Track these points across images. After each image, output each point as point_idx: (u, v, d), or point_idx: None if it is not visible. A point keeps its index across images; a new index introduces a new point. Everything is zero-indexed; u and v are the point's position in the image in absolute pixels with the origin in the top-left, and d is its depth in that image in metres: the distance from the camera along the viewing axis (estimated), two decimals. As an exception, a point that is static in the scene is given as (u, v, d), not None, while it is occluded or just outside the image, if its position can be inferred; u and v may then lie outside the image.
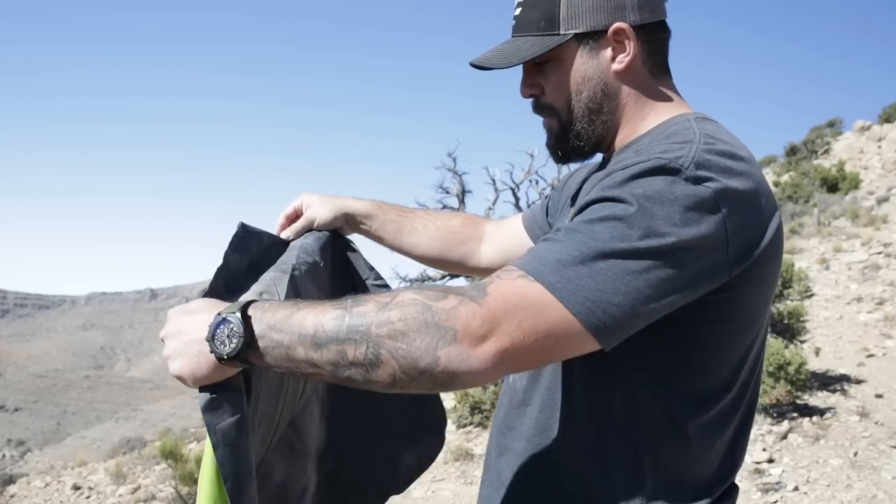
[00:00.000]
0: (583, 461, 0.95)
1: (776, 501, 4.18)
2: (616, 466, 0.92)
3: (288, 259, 1.07)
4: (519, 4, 1.00)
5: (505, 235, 1.37)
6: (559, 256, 0.79)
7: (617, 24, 0.95)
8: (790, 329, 6.17)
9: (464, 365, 0.75)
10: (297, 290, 1.00)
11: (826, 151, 25.44)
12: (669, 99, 1.01)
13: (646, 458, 0.91)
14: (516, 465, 1.02)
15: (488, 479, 1.08)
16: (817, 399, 5.58)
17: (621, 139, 1.01)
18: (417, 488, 5.65)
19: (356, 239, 1.38)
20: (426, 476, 5.91)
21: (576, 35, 0.96)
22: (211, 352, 0.78)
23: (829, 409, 5.34)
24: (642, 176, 0.81)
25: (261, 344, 0.78)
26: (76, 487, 7.12)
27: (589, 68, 0.98)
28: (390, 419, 1.32)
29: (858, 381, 5.98)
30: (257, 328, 0.79)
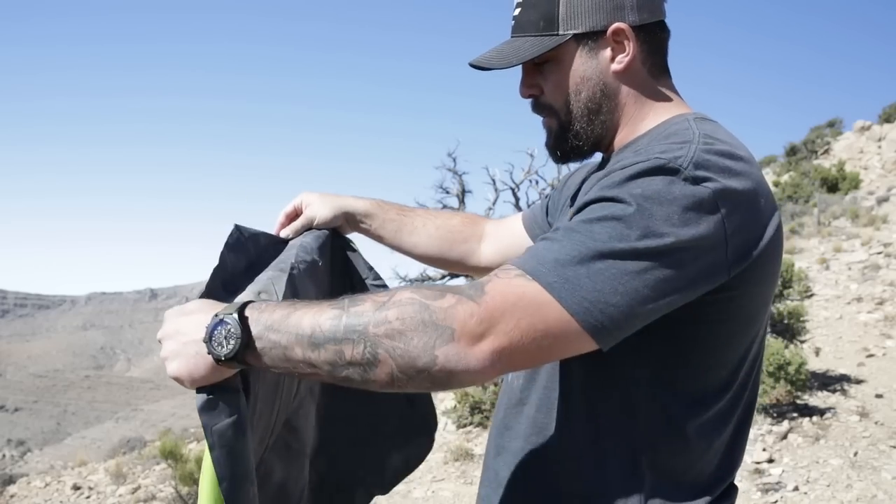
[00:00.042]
0: (580, 461, 0.95)
1: (776, 501, 4.18)
2: (614, 466, 0.92)
3: (286, 258, 1.07)
4: (518, 5, 1.00)
5: (505, 235, 1.37)
6: (557, 256, 0.79)
7: (616, 25, 0.95)
8: (790, 329, 6.17)
9: (461, 364, 0.75)
10: (296, 289, 0.99)
11: (826, 151, 25.44)
12: (669, 99, 1.01)
13: (644, 458, 0.91)
14: (513, 464, 1.02)
15: (486, 478, 1.08)
16: (817, 399, 5.58)
17: (621, 139, 1.01)
18: (417, 488, 5.65)
19: (355, 238, 1.38)
20: (426, 476, 5.91)
21: (575, 35, 0.96)
22: (208, 353, 0.78)
23: (829, 409, 5.34)
24: (641, 176, 0.81)
25: (258, 345, 0.78)
26: (76, 487, 7.12)
27: (588, 68, 0.98)
28: (381, 419, 1.33)
29: (858, 381, 5.98)
30: (254, 329, 0.79)
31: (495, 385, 6.44)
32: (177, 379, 0.80)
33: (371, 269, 1.35)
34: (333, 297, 0.82)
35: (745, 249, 0.83)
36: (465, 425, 6.99)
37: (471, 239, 1.39)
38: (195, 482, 5.48)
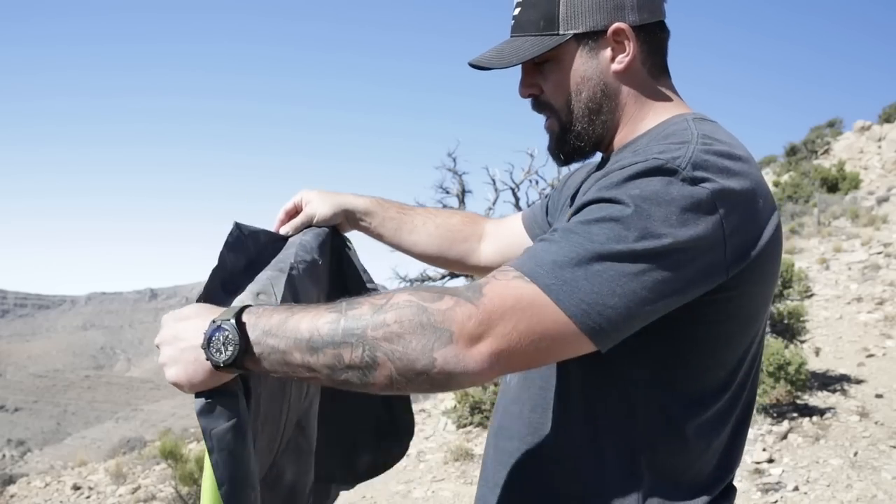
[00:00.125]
0: (578, 461, 0.94)
1: (776, 501, 4.18)
2: (612, 466, 0.92)
3: (286, 257, 1.07)
4: (518, 4, 1.00)
5: (505, 234, 1.37)
6: (555, 258, 0.79)
7: (616, 25, 0.95)
8: (790, 329, 6.17)
9: (460, 366, 0.75)
10: (295, 289, 0.99)
11: (826, 151, 25.43)
12: (668, 99, 1.01)
13: (642, 458, 0.91)
14: (509, 464, 1.02)
15: (483, 478, 1.08)
16: (817, 399, 5.58)
17: (620, 139, 1.01)
18: (418, 488, 5.65)
19: (355, 237, 1.38)
20: (426, 476, 5.92)
21: (575, 35, 0.96)
22: (207, 359, 0.78)
23: (829, 409, 5.34)
24: (639, 177, 0.81)
25: (256, 350, 0.78)
26: (76, 487, 7.12)
27: (588, 68, 0.98)
28: (357, 420, 1.34)
29: (858, 381, 5.98)
30: (252, 334, 0.79)
31: (495, 385, 6.44)
32: (176, 384, 0.80)
33: (365, 271, 1.35)
34: (333, 296, 0.82)
35: (744, 250, 0.83)
36: (465, 425, 6.99)
37: (471, 238, 1.39)
38: (195, 482, 5.48)
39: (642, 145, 0.93)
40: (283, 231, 1.27)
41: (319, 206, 1.29)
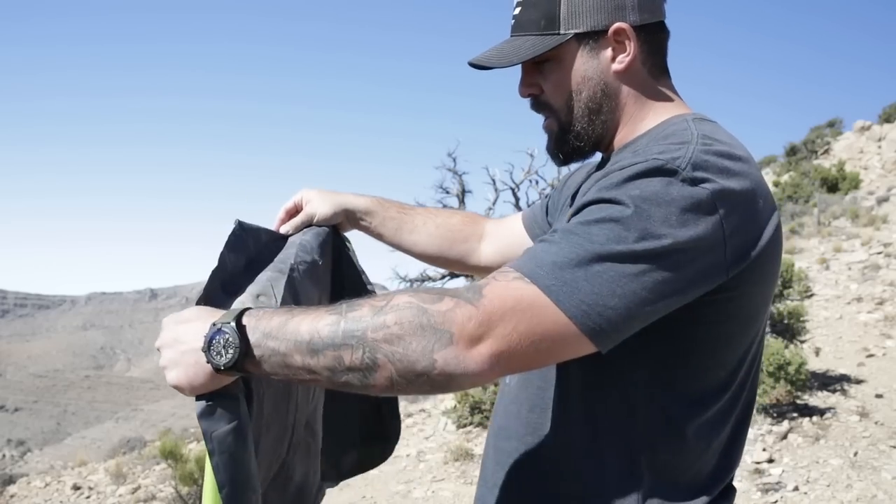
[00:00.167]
0: (577, 461, 0.94)
1: (776, 501, 4.18)
2: (612, 466, 0.92)
3: (286, 257, 1.07)
4: (518, 4, 1.00)
5: (505, 234, 1.37)
6: (555, 258, 0.79)
7: (617, 24, 0.95)
8: (790, 329, 6.17)
9: (460, 367, 0.75)
10: (296, 291, 0.99)
11: (826, 151, 25.43)
12: (668, 99, 1.01)
13: (642, 458, 0.91)
14: (507, 464, 1.02)
15: (483, 479, 1.08)
16: (817, 399, 5.58)
17: (620, 139, 1.01)
18: (418, 488, 5.65)
19: (355, 237, 1.38)
20: (426, 476, 5.92)
21: (576, 35, 0.96)
22: (207, 362, 0.78)
23: (829, 409, 5.34)
24: (639, 177, 0.81)
25: (257, 353, 0.78)
26: (76, 487, 7.12)
27: (589, 68, 0.97)
28: (345, 418, 1.34)
29: (858, 381, 5.98)
30: (252, 337, 0.79)
31: (495, 385, 6.44)
32: (177, 387, 0.80)
33: (362, 272, 1.35)
34: (334, 296, 0.82)
35: (744, 250, 0.83)
36: (465, 425, 6.99)
37: (471, 238, 1.39)
38: (195, 482, 5.49)
39: (642, 145, 0.93)
40: (283, 230, 1.27)
41: (320, 205, 1.29)
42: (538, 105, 1.03)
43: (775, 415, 5.25)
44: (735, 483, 1.01)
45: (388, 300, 0.78)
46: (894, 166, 20.87)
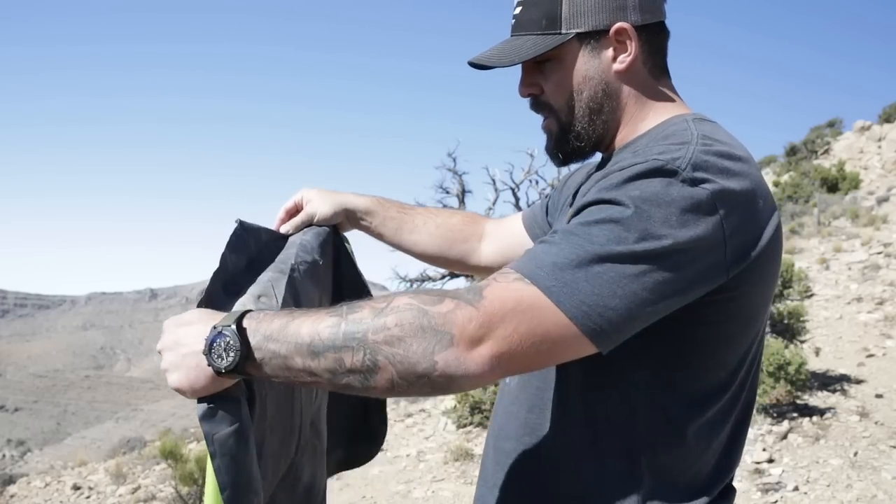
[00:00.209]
0: (577, 461, 0.94)
1: (776, 501, 4.18)
2: (612, 467, 0.92)
3: (286, 258, 1.07)
4: (519, 3, 1.00)
5: (505, 234, 1.37)
6: (556, 259, 0.79)
7: (619, 24, 0.95)
8: (790, 329, 6.17)
9: (461, 369, 0.76)
10: (296, 291, 0.99)
11: (826, 151, 25.42)
12: (668, 99, 1.01)
13: (642, 459, 0.91)
14: (507, 465, 1.02)
15: (483, 479, 1.08)
16: (817, 399, 5.58)
17: (621, 139, 1.01)
18: (417, 488, 5.65)
19: (355, 237, 1.38)
20: (426, 476, 5.92)
21: (578, 34, 0.96)
22: (208, 365, 0.78)
23: (829, 409, 5.34)
24: (639, 178, 0.81)
25: (257, 355, 0.79)
26: (76, 487, 7.12)
27: (590, 68, 0.97)
28: (334, 417, 1.34)
29: (858, 381, 5.98)
30: (253, 340, 0.79)
31: (495, 385, 6.44)
32: (178, 390, 0.81)
33: (360, 273, 1.36)
34: (335, 296, 0.82)
35: (744, 250, 0.83)
36: (465, 425, 6.99)
37: (471, 238, 1.39)
38: (195, 482, 5.48)
39: (642, 146, 0.92)
40: (283, 230, 1.27)
41: (320, 205, 1.29)
42: (538, 105, 1.03)
43: (775, 415, 5.25)
44: (735, 483, 1.01)
45: (389, 302, 0.78)
46: (894, 166, 20.87)
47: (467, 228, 1.39)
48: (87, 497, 6.89)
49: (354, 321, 0.77)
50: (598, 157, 1.07)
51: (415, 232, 1.36)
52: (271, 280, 0.96)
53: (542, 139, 1.07)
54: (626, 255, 0.78)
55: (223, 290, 0.93)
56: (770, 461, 4.69)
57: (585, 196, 0.87)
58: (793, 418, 5.20)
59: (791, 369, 5.17)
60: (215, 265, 0.94)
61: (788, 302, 6.47)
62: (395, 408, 8.75)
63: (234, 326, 0.78)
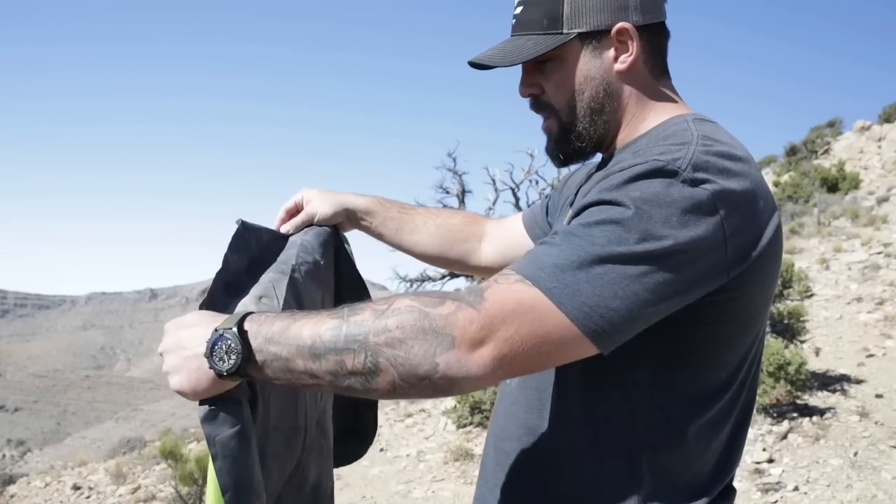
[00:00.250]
0: (577, 462, 0.94)
1: (776, 501, 4.18)
2: (612, 467, 0.92)
3: (287, 258, 1.07)
4: (520, 3, 0.99)
5: (505, 234, 1.37)
6: (556, 261, 0.79)
7: (620, 24, 0.95)
8: (790, 329, 6.17)
9: (462, 371, 0.76)
10: (298, 292, 0.99)
11: (826, 151, 25.42)
12: (669, 100, 1.01)
13: (643, 459, 0.91)
14: (507, 465, 1.02)
15: (483, 479, 1.08)
16: (817, 399, 5.58)
17: (621, 139, 1.01)
18: (417, 488, 5.65)
19: (355, 237, 1.38)
20: (426, 476, 5.92)
21: (579, 34, 0.96)
22: (210, 368, 0.78)
23: (829, 409, 5.34)
24: (640, 178, 0.81)
25: (259, 358, 0.79)
26: (76, 487, 7.12)
27: (592, 68, 0.97)
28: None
29: (858, 381, 5.98)
30: (254, 342, 0.79)
31: (496, 386, 6.44)
32: (180, 392, 0.81)
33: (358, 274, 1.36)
34: (336, 296, 0.82)
35: (745, 251, 0.83)
36: (464, 425, 6.99)
37: (471, 238, 1.38)
38: (195, 482, 5.48)
39: (642, 146, 0.92)
40: (283, 230, 1.27)
41: (320, 205, 1.29)
42: (538, 105, 1.03)
43: (775, 415, 5.25)
44: (735, 483, 1.01)
45: (390, 304, 0.78)
46: (894, 166, 20.86)
47: (467, 229, 1.39)
48: (87, 497, 6.89)
49: (356, 323, 0.77)
50: (598, 157, 1.07)
51: (415, 232, 1.36)
52: (272, 281, 0.96)
53: (542, 139, 1.06)
54: (627, 255, 0.78)
55: (225, 289, 0.93)
56: (770, 461, 4.69)
57: (586, 197, 0.86)
58: (793, 418, 5.20)
59: (791, 369, 5.17)
60: (216, 265, 0.95)
61: (788, 302, 6.47)
62: (395, 408, 8.75)
63: (235, 329, 0.78)
